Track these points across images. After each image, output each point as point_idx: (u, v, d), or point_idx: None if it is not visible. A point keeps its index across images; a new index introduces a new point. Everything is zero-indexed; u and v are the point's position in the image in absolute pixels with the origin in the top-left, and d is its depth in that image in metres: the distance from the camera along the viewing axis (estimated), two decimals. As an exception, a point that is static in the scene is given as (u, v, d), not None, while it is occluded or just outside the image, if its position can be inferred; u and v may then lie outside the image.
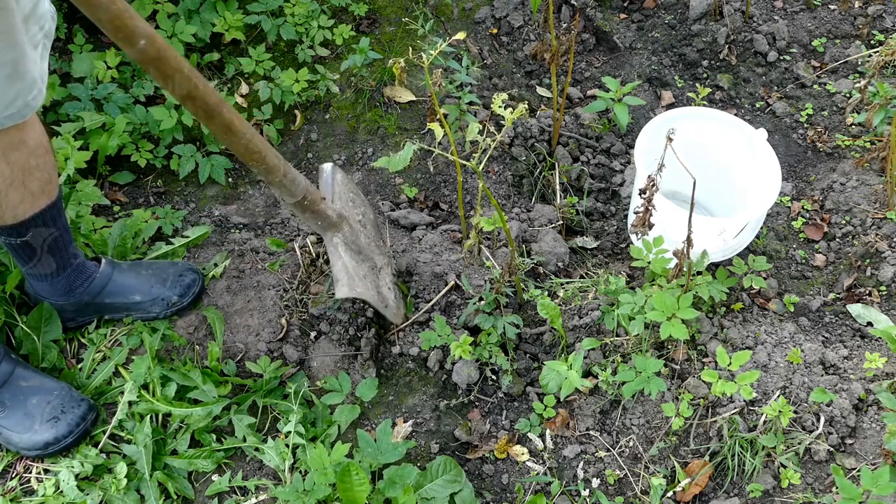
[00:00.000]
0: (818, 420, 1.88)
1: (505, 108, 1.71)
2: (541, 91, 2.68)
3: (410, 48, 1.83)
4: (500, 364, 1.99)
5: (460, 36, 1.77)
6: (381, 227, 2.05)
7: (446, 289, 2.10)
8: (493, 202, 1.81)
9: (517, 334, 2.02)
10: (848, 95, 2.62)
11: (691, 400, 1.91)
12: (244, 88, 2.58)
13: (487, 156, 1.80)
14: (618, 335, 2.00)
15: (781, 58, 2.74)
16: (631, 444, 1.92)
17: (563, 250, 2.22)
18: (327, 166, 1.90)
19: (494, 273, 2.09)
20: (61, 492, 1.84)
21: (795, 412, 1.88)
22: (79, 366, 2.01)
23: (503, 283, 1.97)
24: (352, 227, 1.84)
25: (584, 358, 1.99)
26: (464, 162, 1.75)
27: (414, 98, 2.58)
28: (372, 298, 1.82)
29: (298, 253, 2.23)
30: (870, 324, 2.09)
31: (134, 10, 1.20)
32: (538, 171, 2.46)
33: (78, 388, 1.97)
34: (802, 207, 2.39)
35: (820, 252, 2.30)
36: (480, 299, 2.02)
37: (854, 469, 1.82)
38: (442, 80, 1.76)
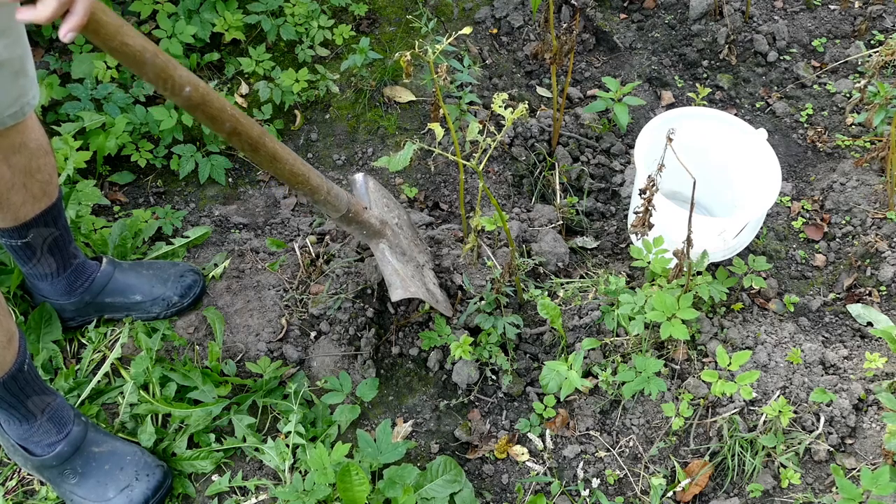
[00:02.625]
0: (818, 420, 1.88)
1: (505, 108, 1.71)
2: (541, 91, 2.68)
3: (416, 44, 1.83)
4: (500, 364, 1.99)
5: (466, 31, 1.78)
6: (414, 226, 2.10)
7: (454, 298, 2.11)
8: (494, 202, 1.81)
9: (517, 334, 2.02)
10: (848, 95, 2.62)
11: (691, 400, 1.91)
12: (244, 88, 2.58)
13: (488, 156, 1.80)
14: (618, 335, 2.00)
15: (781, 58, 2.74)
16: (631, 444, 1.92)
17: (563, 250, 2.22)
18: (359, 176, 1.94)
19: (495, 273, 2.09)
20: (61, 492, 1.84)
21: (795, 412, 1.88)
22: (76, 366, 2.01)
23: (503, 283, 1.97)
24: (394, 231, 1.89)
25: (584, 358, 1.99)
26: (464, 162, 1.75)
27: (414, 98, 2.58)
28: (425, 296, 1.87)
29: (298, 253, 2.23)
30: (870, 324, 2.09)
31: (174, 59, 1.24)
32: (538, 171, 2.46)
33: (73, 390, 1.96)
34: (802, 207, 2.39)
35: (820, 252, 2.30)
36: (481, 299, 2.02)
37: (854, 469, 1.82)
38: (447, 75, 1.76)
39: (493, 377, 2.02)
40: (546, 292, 2.11)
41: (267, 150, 1.46)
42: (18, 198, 1.70)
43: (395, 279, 1.81)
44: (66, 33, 1.11)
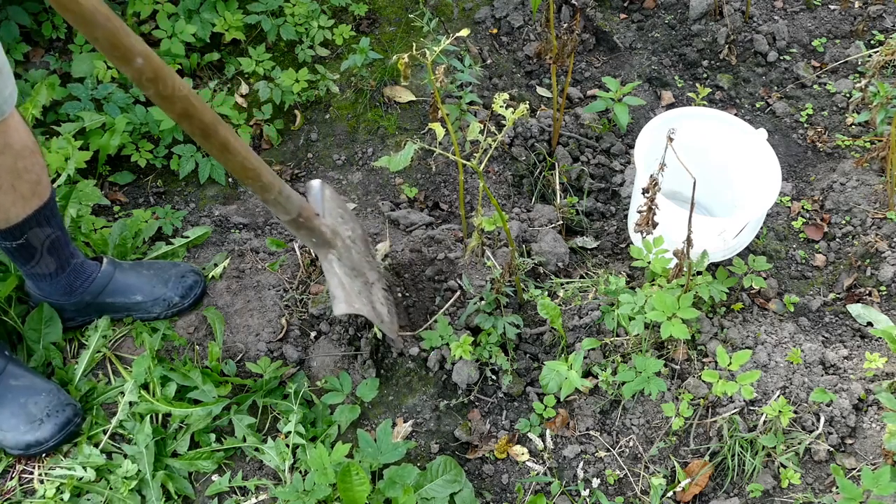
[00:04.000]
0: (818, 420, 1.88)
1: (506, 107, 1.71)
2: (541, 91, 2.68)
3: (414, 45, 1.83)
4: (500, 364, 1.99)
5: (464, 33, 1.77)
6: (368, 241, 2.08)
7: (454, 298, 2.10)
8: (494, 202, 1.81)
9: (517, 334, 2.02)
10: (848, 95, 2.62)
11: (691, 400, 1.91)
12: (244, 88, 2.58)
13: (488, 156, 1.80)
14: (618, 335, 2.00)
15: (781, 58, 2.74)
16: (631, 444, 1.92)
17: (563, 250, 2.22)
18: (315, 183, 1.89)
19: (495, 273, 2.09)
20: (62, 492, 1.83)
21: (795, 412, 1.88)
22: (75, 366, 2.01)
23: (503, 283, 1.97)
24: (345, 244, 1.85)
25: (584, 358, 1.99)
26: (465, 162, 1.75)
27: (414, 98, 2.58)
28: (368, 314, 1.83)
29: (298, 253, 2.23)
30: (870, 324, 2.09)
31: (129, 28, 1.18)
32: (538, 171, 2.46)
33: (67, 385, 1.97)
34: (802, 207, 2.39)
35: (820, 252, 2.30)
36: (481, 299, 2.02)
37: (854, 469, 1.82)
38: (445, 77, 1.76)
39: (493, 377, 2.02)
40: (546, 292, 2.11)
41: (218, 139, 1.40)
42: (7, 199, 1.70)
43: (340, 292, 1.77)
44: None
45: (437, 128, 1.74)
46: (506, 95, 1.72)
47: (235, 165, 1.46)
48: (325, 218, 1.79)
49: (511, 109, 1.68)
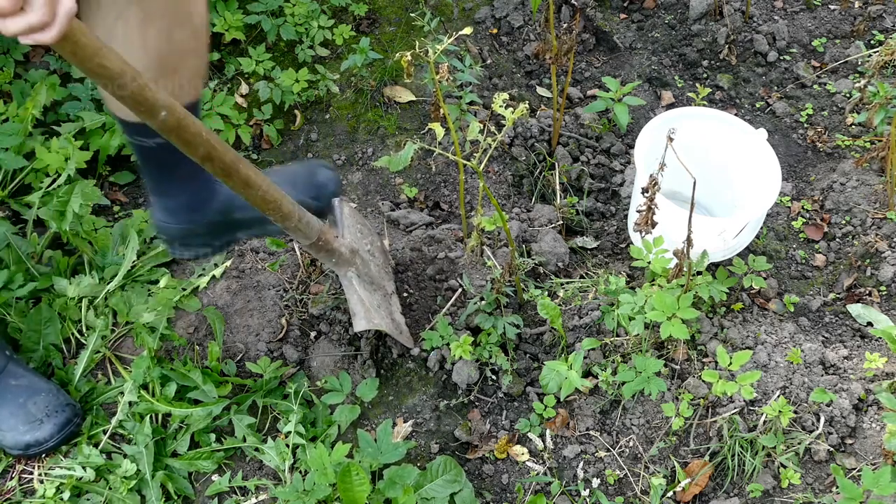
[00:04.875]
0: (818, 420, 1.88)
1: (505, 107, 1.71)
2: (541, 91, 2.68)
3: (416, 43, 1.83)
4: (500, 364, 1.99)
5: (467, 31, 1.78)
6: (387, 252, 2.11)
7: (454, 297, 2.11)
8: (494, 202, 1.81)
9: (517, 334, 2.02)
10: (848, 95, 2.62)
11: (691, 400, 1.91)
12: (244, 88, 2.58)
13: (488, 156, 1.80)
14: (618, 335, 2.00)
15: (781, 58, 2.74)
16: (631, 444, 1.92)
17: (563, 250, 2.22)
18: (335, 201, 1.93)
19: (495, 273, 2.09)
20: (62, 492, 1.84)
21: (795, 412, 1.88)
22: (75, 366, 2.01)
23: (503, 282, 1.97)
24: (363, 259, 1.90)
25: (584, 358, 1.99)
26: (465, 162, 1.75)
27: (414, 98, 2.58)
28: (388, 327, 1.89)
29: (298, 253, 2.23)
30: (870, 324, 2.09)
31: (151, 83, 1.22)
32: (538, 171, 2.46)
33: (66, 385, 1.97)
34: (802, 207, 2.39)
35: (820, 252, 2.30)
36: (481, 299, 2.02)
37: (854, 469, 1.82)
38: (448, 74, 1.76)
39: (493, 377, 2.02)
40: (546, 292, 2.11)
41: (240, 176, 1.44)
42: (169, 84, 1.49)
43: (360, 309, 1.83)
44: (27, 40, 1.02)
45: (437, 127, 1.74)
46: (505, 95, 1.72)
47: (257, 199, 1.51)
48: (344, 237, 1.84)
49: (511, 109, 1.68)
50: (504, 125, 1.87)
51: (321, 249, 1.75)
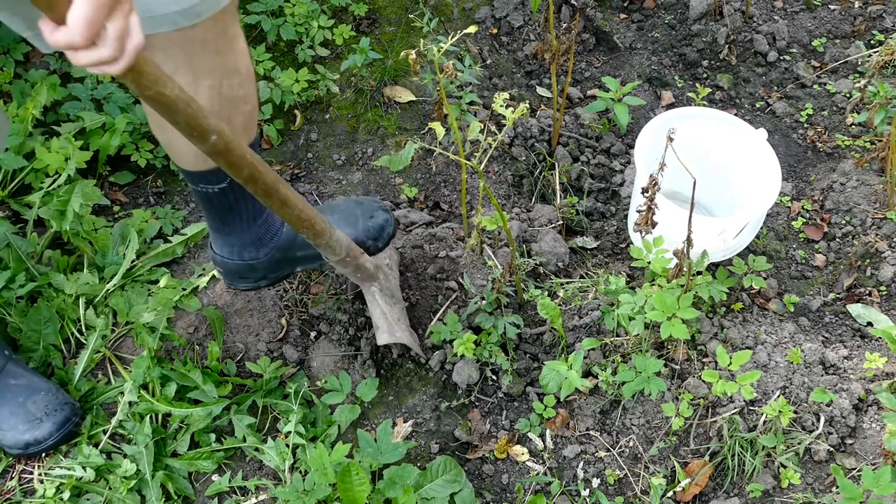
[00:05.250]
0: (818, 420, 1.88)
1: (506, 107, 1.71)
2: (541, 91, 2.68)
3: (421, 41, 1.83)
4: (500, 364, 1.99)
5: (472, 29, 1.78)
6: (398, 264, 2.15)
7: (454, 296, 2.11)
8: (494, 202, 1.81)
9: (517, 334, 2.02)
10: (848, 95, 2.62)
11: (691, 400, 1.91)
12: (244, 88, 2.58)
13: (489, 155, 1.80)
14: (618, 335, 2.00)
15: (781, 58, 2.74)
16: (631, 444, 1.92)
17: (563, 250, 2.22)
18: None
19: (496, 273, 2.09)
20: (62, 492, 1.84)
21: (795, 412, 1.88)
22: (75, 366, 2.01)
23: (504, 282, 1.97)
24: (385, 274, 1.96)
25: (584, 358, 1.99)
26: (466, 161, 1.74)
27: (414, 98, 2.58)
28: (408, 340, 1.95)
29: (298, 253, 2.23)
30: (870, 324, 2.09)
31: (203, 108, 1.27)
32: (538, 171, 2.46)
33: (66, 385, 1.97)
34: (802, 207, 2.39)
35: (820, 252, 2.30)
36: (482, 298, 2.02)
37: (854, 469, 1.82)
38: (454, 73, 1.77)
39: (493, 377, 2.02)
40: (546, 292, 2.11)
41: (279, 196, 1.50)
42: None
43: (383, 323, 1.90)
44: (96, 71, 1.07)
45: (438, 127, 1.74)
46: (506, 95, 1.72)
47: (293, 217, 1.57)
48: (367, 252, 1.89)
49: (511, 109, 1.68)
50: (504, 125, 1.87)
51: (348, 265, 1.81)
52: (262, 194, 1.47)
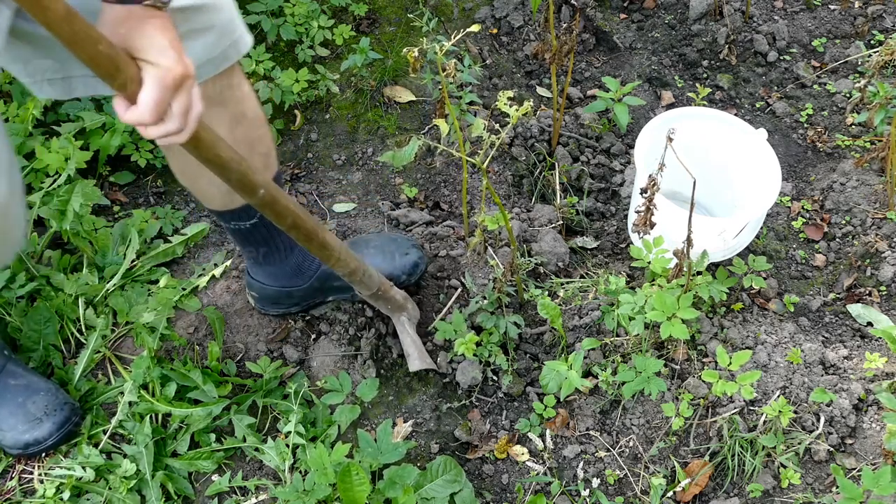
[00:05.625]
0: (818, 420, 1.88)
1: (510, 106, 1.71)
2: (541, 91, 2.68)
3: (423, 40, 1.83)
4: (501, 364, 1.99)
5: (475, 28, 1.78)
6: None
7: (455, 295, 2.11)
8: (497, 200, 1.81)
9: (518, 334, 2.02)
10: (848, 95, 2.62)
11: (691, 400, 1.91)
12: (244, 88, 2.58)
13: (491, 155, 1.80)
14: (618, 335, 2.00)
15: (781, 58, 2.74)
16: (631, 444, 1.92)
17: (563, 250, 2.22)
18: None
19: (497, 272, 2.09)
20: (62, 492, 1.83)
21: (795, 412, 1.88)
22: (74, 366, 2.01)
23: (505, 282, 1.97)
24: (413, 304, 2.04)
25: (584, 358, 1.99)
26: (469, 159, 1.74)
27: (414, 98, 2.58)
28: (434, 365, 2.02)
29: (298, 253, 2.23)
30: (870, 324, 2.09)
31: (252, 165, 1.37)
32: (538, 171, 2.46)
33: (66, 385, 1.97)
34: (802, 207, 2.39)
35: (820, 252, 2.30)
36: (483, 298, 2.02)
37: (854, 469, 1.82)
38: (455, 72, 1.77)
39: (494, 377, 2.02)
40: (546, 292, 2.11)
41: (318, 240, 1.61)
42: None
43: (413, 350, 1.99)
44: (163, 142, 1.18)
45: (442, 124, 1.75)
46: (510, 93, 1.72)
47: (331, 258, 1.68)
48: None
49: (515, 107, 1.68)
50: (505, 125, 1.87)
51: (380, 298, 1.92)
52: (303, 239, 1.58)
